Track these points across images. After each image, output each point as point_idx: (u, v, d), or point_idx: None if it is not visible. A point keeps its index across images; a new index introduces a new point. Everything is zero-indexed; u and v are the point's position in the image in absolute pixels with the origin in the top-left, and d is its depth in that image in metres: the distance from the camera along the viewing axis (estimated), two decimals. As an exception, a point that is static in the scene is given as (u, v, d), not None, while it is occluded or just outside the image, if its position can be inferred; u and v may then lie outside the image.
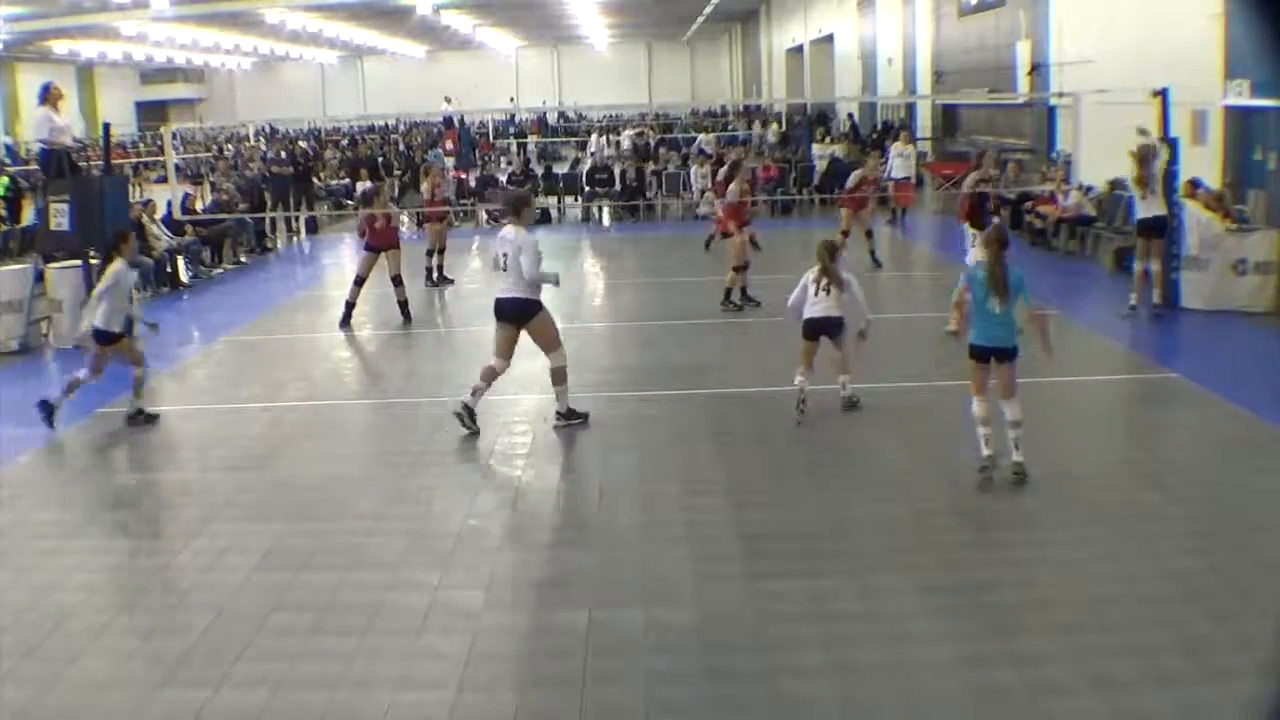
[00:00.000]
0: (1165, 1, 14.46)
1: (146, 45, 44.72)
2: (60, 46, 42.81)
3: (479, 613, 5.19)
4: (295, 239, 21.00)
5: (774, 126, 33.02)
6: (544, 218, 21.21)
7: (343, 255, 17.80)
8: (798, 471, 7.00)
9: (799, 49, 41.71)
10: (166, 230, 15.40)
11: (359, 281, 12.10)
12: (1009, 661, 4.57)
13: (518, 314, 7.95)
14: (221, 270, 16.67)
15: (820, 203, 19.47)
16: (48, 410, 8.41)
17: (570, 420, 8.07)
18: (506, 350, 8.07)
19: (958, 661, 4.60)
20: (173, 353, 11.43)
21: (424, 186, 15.76)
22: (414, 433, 8.20)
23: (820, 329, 7.96)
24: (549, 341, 8.04)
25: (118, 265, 8.56)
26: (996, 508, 6.33)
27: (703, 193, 17.40)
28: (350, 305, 12.02)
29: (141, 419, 8.64)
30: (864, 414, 8.09)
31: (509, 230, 8.02)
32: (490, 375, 8.07)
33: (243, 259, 17.55)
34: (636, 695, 4.43)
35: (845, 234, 15.01)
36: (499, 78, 57.98)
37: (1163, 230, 10.77)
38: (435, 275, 14.50)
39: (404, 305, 12.30)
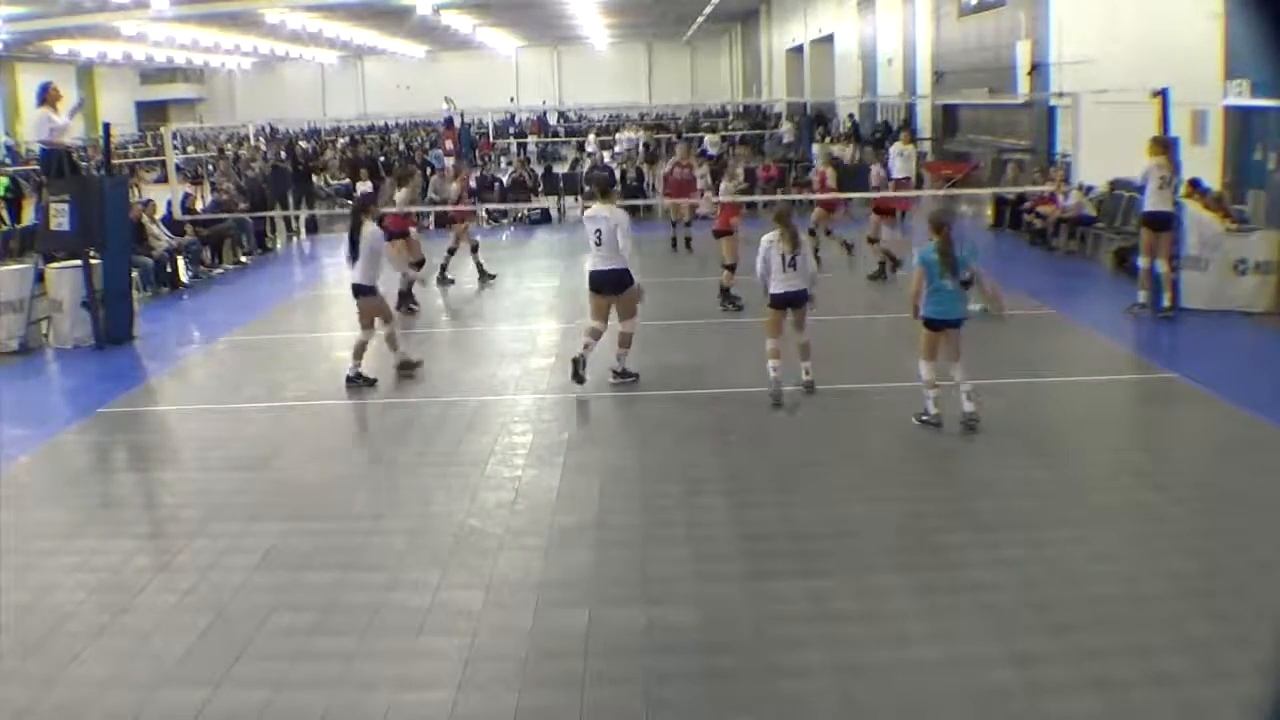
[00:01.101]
0: (1165, 1, 14.46)
1: (146, 45, 44.67)
2: (60, 46, 42.75)
3: (479, 613, 5.19)
4: (295, 239, 20.99)
5: (787, 125, 32.98)
6: (544, 218, 21.28)
7: (342, 255, 17.74)
8: (797, 471, 7.00)
9: (799, 49, 41.71)
10: (166, 230, 15.39)
11: (418, 264, 12.76)
12: (1008, 661, 4.57)
13: (612, 284, 8.64)
14: (221, 270, 16.65)
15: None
16: (357, 379, 9.13)
17: (626, 378, 8.91)
18: (603, 316, 8.80)
19: (957, 661, 4.60)
20: (173, 353, 11.44)
21: (454, 187, 15.69)
22: (414, 433, 8.19)
23: (787, 302, 8.42)
24: (630, 310, 8.83)
25: (371, 226, 9.27)
26: (995, 507, 6.33)
27: (702, 193, 17.43)
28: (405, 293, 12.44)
29: (408, 371, 9.50)
30: (863, 414, 8.11)
31: (600, 209, 8.66)
32: (595, 334, 8.77)
33: (243, 259, 17.53)
34: (636, 695, 4.43)
35: (822, 231, 14.79)
36: (499, 78, 57.97)
37: (1167, 225, 10.77)
38: (437, 275, 14.50)
39: (405, 294, 12.42)
